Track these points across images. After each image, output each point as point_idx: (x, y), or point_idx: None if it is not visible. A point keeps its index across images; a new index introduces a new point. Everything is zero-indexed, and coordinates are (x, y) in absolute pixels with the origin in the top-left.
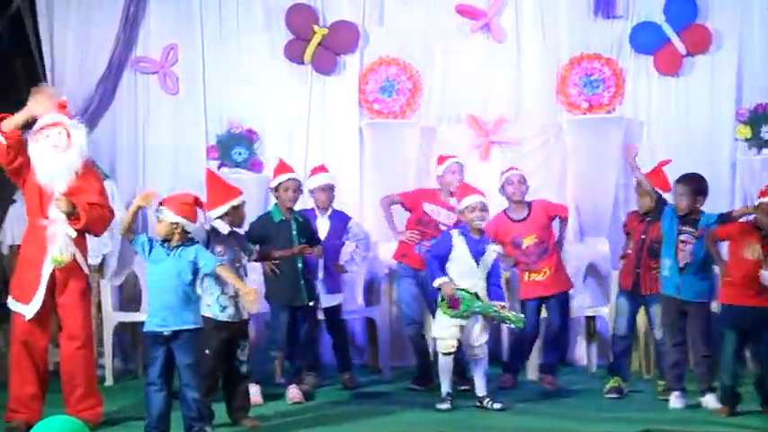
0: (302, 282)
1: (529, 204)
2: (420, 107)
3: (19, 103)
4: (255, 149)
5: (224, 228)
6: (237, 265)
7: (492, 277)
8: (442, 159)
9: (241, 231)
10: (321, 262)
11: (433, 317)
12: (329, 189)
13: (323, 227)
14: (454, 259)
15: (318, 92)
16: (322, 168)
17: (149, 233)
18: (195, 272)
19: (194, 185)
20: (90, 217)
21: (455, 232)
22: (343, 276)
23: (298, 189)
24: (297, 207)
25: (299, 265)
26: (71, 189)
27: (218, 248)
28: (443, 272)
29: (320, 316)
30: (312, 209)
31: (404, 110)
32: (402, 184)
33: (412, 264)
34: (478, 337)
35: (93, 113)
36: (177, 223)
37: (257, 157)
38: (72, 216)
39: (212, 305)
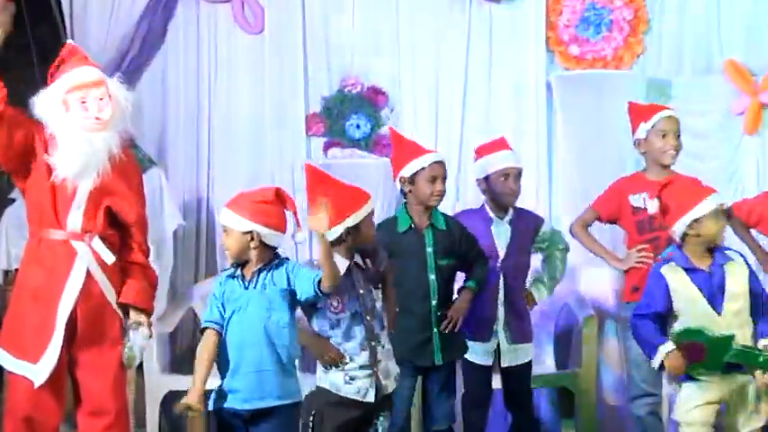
0: (435, 329)
1: None
2: (646, 49)
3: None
4: (383, 119)
5: (339, 263)
6: (368, 317)
7: (758, 312)
8: (649, 111)
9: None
10: (500, 293)
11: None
12: (516, 176)
13: (501, 236)
14: (678, 312)
15: (482, 27)
16: (502, 144)
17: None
18: (293, 305)
19: (287, 178)
20: (149, 295)
21: (668, 269)
22: (530, 316)
23: (443, 179)
24: (446, 206)
25: (434, 301)
26: (97, 193)
27: (334, 304)
28: (662, 334)
29: (495, 380)
30: (479, 209)
31: (619, 54)
32: (614, 172)
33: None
34: (747, 421)
35: (131, 64)
36: (251, 232)
37: (385, 130)
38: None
39: (331, 370)
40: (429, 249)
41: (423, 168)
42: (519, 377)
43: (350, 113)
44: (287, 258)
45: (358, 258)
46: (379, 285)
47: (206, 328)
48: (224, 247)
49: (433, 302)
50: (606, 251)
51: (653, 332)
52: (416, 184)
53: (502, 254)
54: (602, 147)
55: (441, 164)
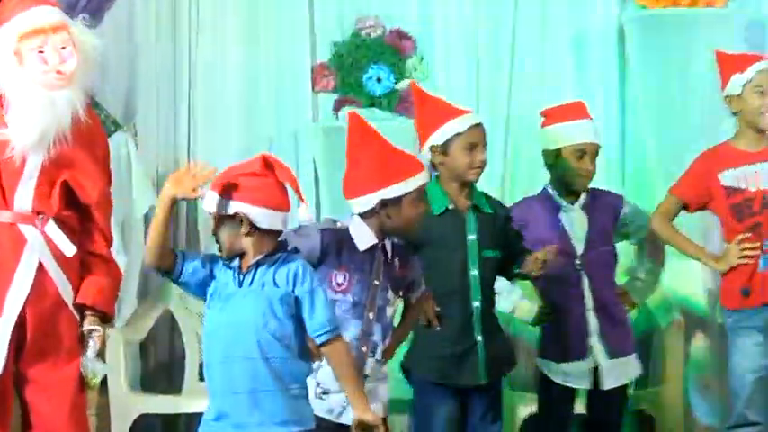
0: (478, 337)
1: None
2: None
3: None
4: (410, 71)
5: (364, 235)
6: (371, 314)
7: None
8: (744, 60)
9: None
10: (587, 296)
11: None
12: (594, 154)
13: (576, 226)
14: None
15: None
16: (580, 111)
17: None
18: (299, 316)
19: (288, 146)
20: (112, 296)
21: None
22: (630, 321)
23: (484, 146)
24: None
25: (476, 303)
26: (52, 165)
27: (339, 279)
28: None
29: (576, 404)
30: (540, 195)
31: None
32: (705, 142)
33: (757, 303)
34: None
35: (89, 3)
36: (237, 214)
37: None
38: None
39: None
40: (471, 237)
41: (458, 134)
42: (610, 404)
43: (368, 64)
44: (297, 254)
45: (389, 244)
46: (401, 294)
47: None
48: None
49: (475, 304)
50: (700, 249)
51: None
52: (450, 153)
53: (580, 248)
54: (689, 110)
55: (480, 127)
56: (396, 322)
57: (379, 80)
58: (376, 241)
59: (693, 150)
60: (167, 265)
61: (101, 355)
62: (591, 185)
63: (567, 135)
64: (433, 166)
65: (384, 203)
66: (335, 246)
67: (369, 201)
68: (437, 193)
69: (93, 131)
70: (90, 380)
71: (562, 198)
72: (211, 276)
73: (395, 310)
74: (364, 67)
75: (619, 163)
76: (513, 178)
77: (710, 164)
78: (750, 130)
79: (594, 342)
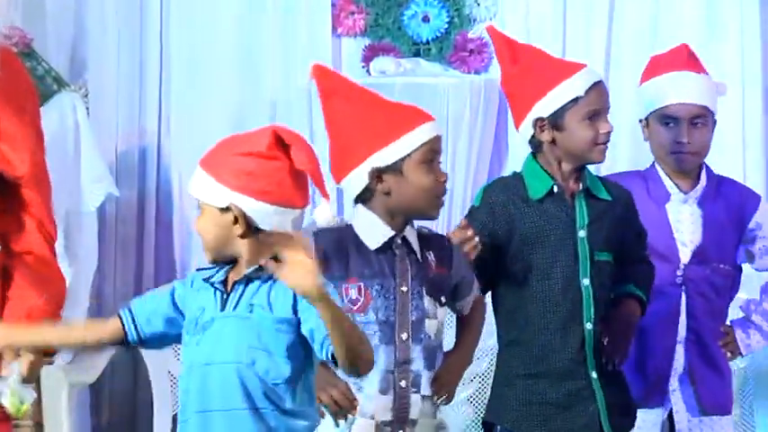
0: (593, 374)
1: None
2: None
3: None
4: (470, 8)
5: (372, 228)
6: (405, 335)
7: None
8: None
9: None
10: (681, 323)
11: None
12: (692, 120)
13: (685, 224)
14: None
15: None
16: (680, 57)
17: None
18: (305, 352)
19: (299, 112)
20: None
21: None
22: (731, 371)
23: (607, 111)
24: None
25: (588, 325)
26: None
27: (352, 294)
28: None
29: None
30: (645, 172)
31: None
32: None
33: None
34: None
35: None
36: (238, 211)
37: (474, 29)
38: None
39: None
40: (582, 234)
41: (576, 100)
42: None
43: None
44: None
45: (412, 235)
46: (443, 302)
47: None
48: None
49: (588, 326)
50: None
51: None
52: (567, 127)
53: (686, 256)
54: None
55: (602, 87)
56: (449, 342)
57: (425, 19)
58: (392, 233)
59: None
60: (116, 338)
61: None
62: (720, 173)
63: (658, 95)
64: (534, 146)
65: (378, 174)
66: (337, 250)
67: (360, 175)
68: (537, 172)
69: (15, 84)
70: (15, 407)
71: (673, 184)
72: (178, 310)
73: (441, 323)
74: (405, 2)
75: (758, 145)
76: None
77: None
78: None
79: (677, 384)
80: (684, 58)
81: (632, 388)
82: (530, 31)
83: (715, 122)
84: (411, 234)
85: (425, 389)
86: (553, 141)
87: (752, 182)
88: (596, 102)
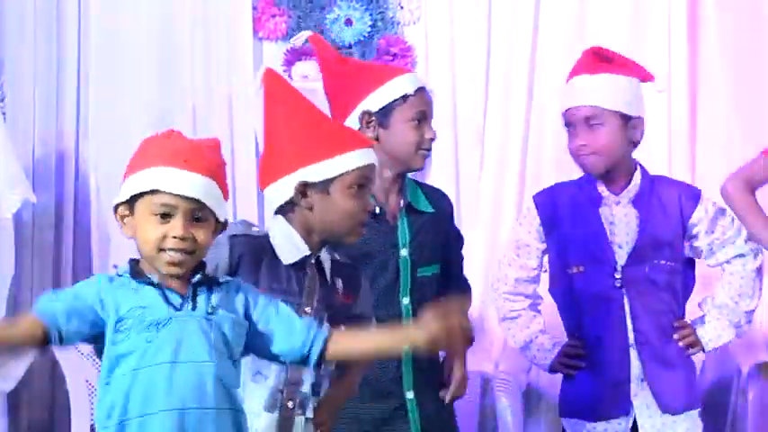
0: (409, 395)
1: None
2: None
3: None
4: (395, 10)
5: (289, 242)
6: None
7: None
8: None
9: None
10: (629, 328)
11: None
12: (585, 120)
13: (620, 225)
14: None
15: None
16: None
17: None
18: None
19: (219, 116)
20: None
21: None
22: (692, 366)
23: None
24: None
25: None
26: None
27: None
28: None
29: None
30: (580, 181)
31: None
32: None
33: None
34: None
35: None
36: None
37: (395, 30)
38: None
39: None
40: (404, 253)
41: (405, 98)
42: None
43: (333, 1)
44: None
45: (327, 258)
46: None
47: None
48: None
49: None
50: None
51: None
52: (393, 126)
53: (622, 257)
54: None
55: (428, 93)
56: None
57: (348, 23)
58: (308, 252)
59: None
60: (37, 339)
61: None
62: (654, 172)
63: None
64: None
65: (304, 188)
66: (251, 257)
67: (286, 186)
68: None
69: None
70: None
71: (605, 186)
72: (102, 308)
73: None
74: (328, 4)
75: (686, 138)
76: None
77: None
78: None
79: (636, 388)
80: (584, 63)
81: (594, 400)
82: (454, 35)
83: (629, 118)
84: (325, 259)
85: (310, 412)
86: (376, 139)
87: None
88: (424, 104)
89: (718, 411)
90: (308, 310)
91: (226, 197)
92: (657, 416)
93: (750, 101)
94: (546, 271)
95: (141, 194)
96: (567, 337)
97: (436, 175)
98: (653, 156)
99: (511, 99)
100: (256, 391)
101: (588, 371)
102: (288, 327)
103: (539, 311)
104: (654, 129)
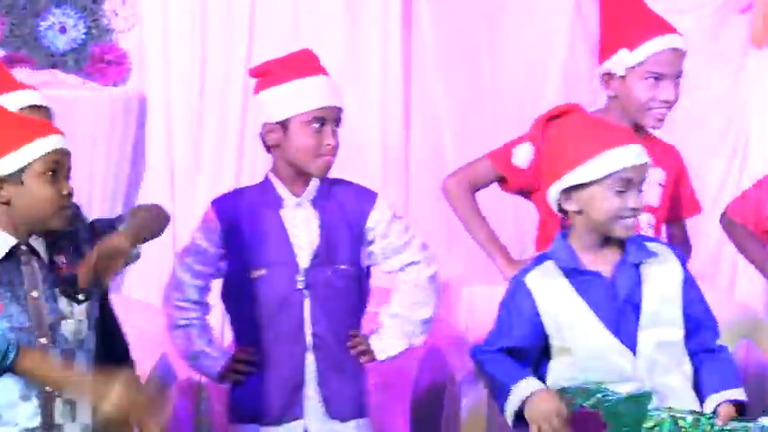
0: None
1: None
2: None
3: None
4: (109, 18)
5: None
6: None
7: (694, 340)
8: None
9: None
10: (307, 332)
11: None
12: (333, 120)
13: (301, 228)
14: (556, 348)
15: None
16: (306, 57)
17: None
18: None
19: None
20: None
21: (536, 274)
22: (364, 374)
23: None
24: None
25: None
26: None
27: None
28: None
29: None
30: (262, 185)
31: None
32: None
33: None
34: None
35: None
36: None
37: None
38: None
39: None
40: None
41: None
42: None
43: (47, 8)
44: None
45: (38, 243)
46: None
47: None
48: None
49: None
50: (496, 245)
51: (509, 366)
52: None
53: (305, 260)
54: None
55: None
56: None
57: (62, 30)
58: (15, 241)
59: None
60: None
61: None
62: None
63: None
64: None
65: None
66: None
67: None
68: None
69: None
70: None
71: (287, 188)
72: None
73: (80, 321)
74: (42, 12)
75: (401, 138)
76: None
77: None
78: (625, 121)
79: (310, 392)
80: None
81: (267, 404)
82: (169, 41)
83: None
84: (37, 242)
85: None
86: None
87: (394, 188)
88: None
89: (430, 418)
90: (34, 294)
91: None
92: (327, 421)
93: (463, 102)
94: (220, 277)
95: None
96: (235, 344)
97: (151, 181)
98: (366, 156)
99: (227, 103)
100: (8, 384)
101: (262, 375)
102: None
103: (208, 320)
104: (368, 128)
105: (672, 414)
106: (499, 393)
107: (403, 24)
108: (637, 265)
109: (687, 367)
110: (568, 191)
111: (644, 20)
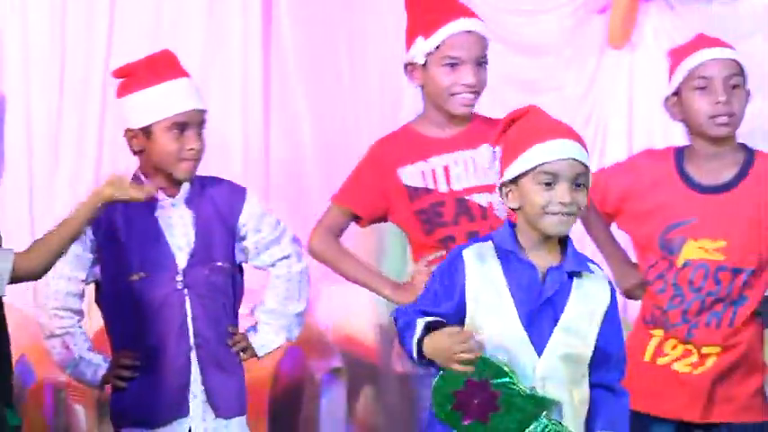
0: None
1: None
2: None
3: None
4: None
5: None
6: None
7: (599, 373)
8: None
9: None
10: (189, 332)
11: None
12: (196, 123)
13: (178, 229)
14: (473, 321)
15: None
16: (166, 59)
17: None
18: None
19: None
20: None
21: (474, 250)
22: (240, 369)
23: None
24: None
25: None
26: None
27: None
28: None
29: None
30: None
31: None
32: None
33: None
34: None
35: None
36: None
37: None
38: None
39: None
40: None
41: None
42: None
43: None
44: None
45: None
46: None
47: None
48: None
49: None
50: (373, 275)
51: (417, 316)
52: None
53: (183, 260)
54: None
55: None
56: None
57: None
58: None
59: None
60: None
61: None
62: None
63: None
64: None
65: None
66: None
67: None
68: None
69: None
70: None
71: (167, 189)
72: None
73: None
74: None
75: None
76: None
77: (385, 156)
78: (436, 110)
79: (196, 390)
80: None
81: (154, 407)
82: (28, 40)
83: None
84: None
85: None
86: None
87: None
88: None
89: (288, 418)
90: None
91: None
92: (211, 420)
93: (322, 101)
94: (92, 282)
95: None
96: (113, 349)
97: (9, 181)
98: (227, 155)
99: (86, 104)
100: None
101: (147, 378)
102: None
103: (82, 327)
104: (229, 128)
105: (557, 430)
106: (407, 339)
107: (263, 24)
108: (570, 276)
109: (585, 390)
110: (509, 187)
111: (440, 6)
